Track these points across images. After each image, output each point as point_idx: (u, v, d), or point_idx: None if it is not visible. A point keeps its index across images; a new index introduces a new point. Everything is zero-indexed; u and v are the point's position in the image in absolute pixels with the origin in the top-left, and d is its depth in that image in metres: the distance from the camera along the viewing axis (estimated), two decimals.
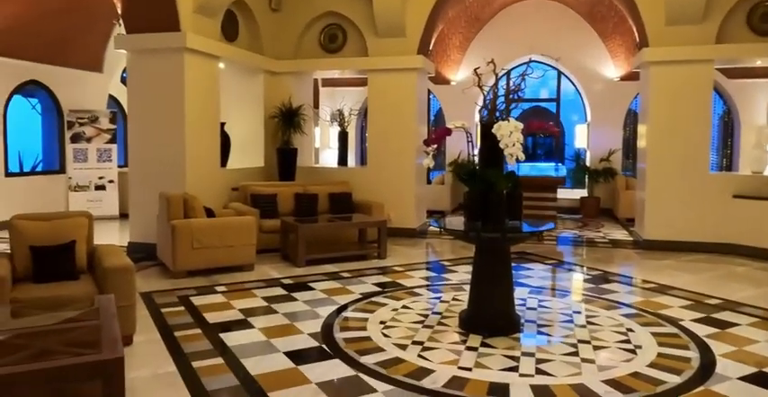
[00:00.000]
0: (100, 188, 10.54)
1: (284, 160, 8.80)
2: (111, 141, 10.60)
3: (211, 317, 4.66)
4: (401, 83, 8.70)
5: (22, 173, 10.03)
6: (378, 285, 5.78)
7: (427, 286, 5.82)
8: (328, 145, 13.79)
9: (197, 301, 5.13)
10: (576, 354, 3.86)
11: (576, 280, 6.36)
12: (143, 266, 6.56)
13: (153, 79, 7.18)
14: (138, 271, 6.27)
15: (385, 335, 4.22)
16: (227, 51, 7.87)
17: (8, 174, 9.35)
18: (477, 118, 12.59)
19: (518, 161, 4.21)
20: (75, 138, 10.38)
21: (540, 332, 4.32)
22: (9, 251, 4.21)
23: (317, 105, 12.33)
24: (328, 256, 6.85)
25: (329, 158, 13.65)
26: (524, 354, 3.85)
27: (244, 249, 6.25)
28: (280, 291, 5.52)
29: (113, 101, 11.61)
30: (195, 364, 3.66)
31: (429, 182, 11.93)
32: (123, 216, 9.67)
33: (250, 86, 9.05)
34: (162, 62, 7.13)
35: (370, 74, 8.89)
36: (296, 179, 8.86)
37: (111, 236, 8.33)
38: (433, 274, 6.45)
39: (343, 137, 9.79)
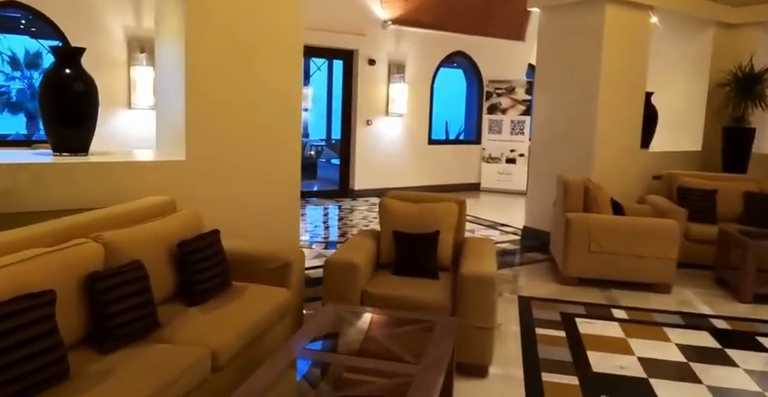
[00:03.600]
0: (510, 161, 10.18)
1: (733, 143, 6.48)
2: (525, 113, 10.03)
3: (597, 361, 3.34)
4: None
5: (443, 142, 10.47)
6: None
7: None
8: None
9: (583, 326, 3.87)
10: None
11: None
12: (532, 259, 5.64)
13: (564, 39, 6.04)
14: (525, 265, 5.44)
15: None
16: None
17: (431, 142, 9.81)
18: None
19: None
20: (492, 109, 10.22)
21: None
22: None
23: None
24: None
25: None
26: None
27: (658, 263, 4.61)
28: (707, 339, 3.74)
29: (532, 70, 11.01)
30: None
31: None
32: None
33: (691, 45, 6.94)
34: (577, 18, 5.89)
35: None
36: (747, 171, 6.45)
37: (513, 214, 7.70)
38: None
39: None
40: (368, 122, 8.89)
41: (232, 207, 3.66)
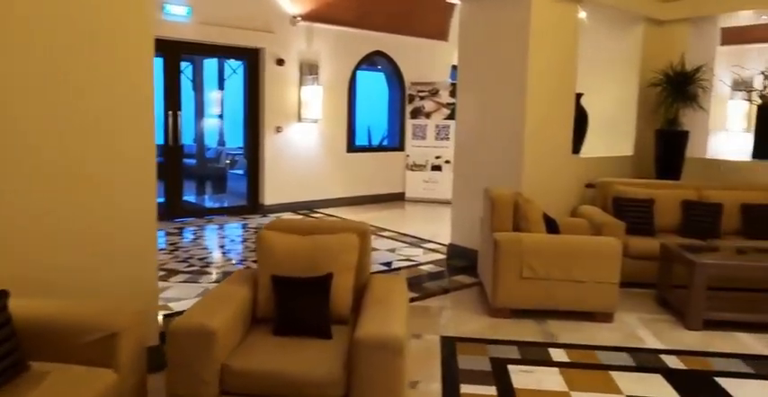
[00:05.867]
0: (436, 168, 9.53)
1: (667, 148, 6.07)
2: (450, 117, 9.41)
3: None
4: None
5: (363, 149, 9.68)
6: None
7: None
8: (723, 127, 10.10)
9: (518, 377, 3.16)
10: None
11: None
12: (459, 283, 4.93)
13: (488, 35, 5.43)
14: (451, 292, 4.71)
15: None
16: None
17: (350, 150, 9.01)
18: None
19: None
20: (415, 113, 9.55)
21: None
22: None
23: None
24: (744, 318, 4.03)
25: (721, 146, 9.97)
26: None
27: (599, 288, 4.00)
28: (662, 386, 3.11)
29: (457, 72, 10.46)
30: None
31: None
32: None
33: (621, 43, 6.51)
34: (500, 11, 5.29)
35: None
36: (681, 176, 6.05)
37: (440, 227, 6.97)
38: None
39: (765, 115, 6.40)
40: (277, 129, 7.98)
41: (46, 250, 2.68)
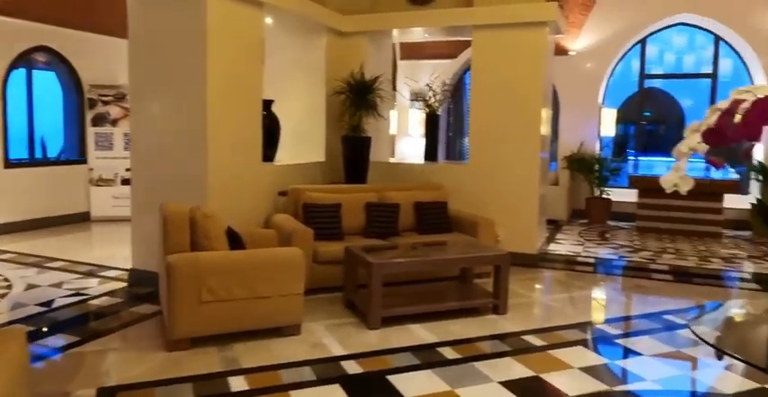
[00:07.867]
0: (127, 182, 8.48)
1: (353, 153, 6.35)
2: None
3: None
4: (523, 44, 6.03)
5: (30, 164, 8.08)
6: (510, 386, 3.21)
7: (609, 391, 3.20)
8: (406, 133, 11.28)
9: None
10: None
11: None
12: (137, 315, 4.30)
13: (160, 35, 4.97)
14: (126, 327, 4.07)
15: None
16: None
17: (9, 165, 7.41)
18: (600, 98, 9.73)
19: None
20: (98, 121, 8.38)
21: None
22: None
23: (393, 82, 9.83)
24: (415, 310, 4.33)
25: (407, 150, 11.14)
26: None
27: (285, 301, 3.84)
28: (338, 395, 3.07)
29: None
30: None
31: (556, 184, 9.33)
32: None
33: (309, 51, 6.63)
34: (173, 10, 4.86)
35: (476, 34, 6.28)
36: (367, 179, 6.41)
37: (129, 250, 6.12)
38: (604, 359, 3.77)
39: (432, 122, 7.21)
40: None
41: None
